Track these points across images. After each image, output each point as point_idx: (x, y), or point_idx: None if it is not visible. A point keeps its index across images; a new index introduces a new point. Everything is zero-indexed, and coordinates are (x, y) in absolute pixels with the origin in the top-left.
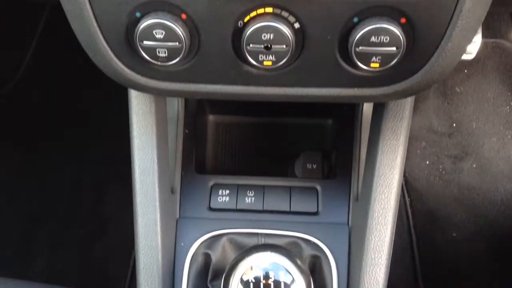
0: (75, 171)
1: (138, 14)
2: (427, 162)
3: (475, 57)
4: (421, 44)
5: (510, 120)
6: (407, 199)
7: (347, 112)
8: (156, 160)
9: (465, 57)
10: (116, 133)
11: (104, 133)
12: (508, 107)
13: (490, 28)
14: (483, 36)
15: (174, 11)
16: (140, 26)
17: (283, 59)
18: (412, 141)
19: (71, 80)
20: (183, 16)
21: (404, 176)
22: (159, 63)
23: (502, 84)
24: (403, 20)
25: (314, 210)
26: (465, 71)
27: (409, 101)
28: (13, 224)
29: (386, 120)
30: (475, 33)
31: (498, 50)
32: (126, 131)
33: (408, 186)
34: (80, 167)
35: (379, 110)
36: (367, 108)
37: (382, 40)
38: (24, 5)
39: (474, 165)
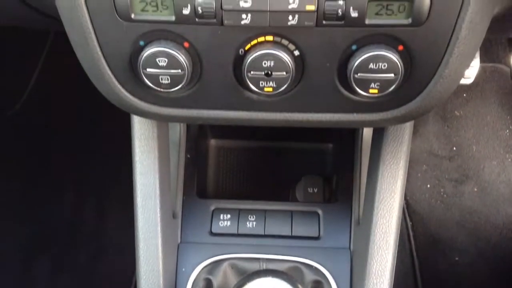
0: (77, 195)
1: (142, 43)
2: (428, 186)
3: (474, 81)
4: (419, 70)
5: (510, 144)
6: (409, 223)
7: (347, 137)
8: (158, 185)
9: (463, 81)
10: (118, 157)
11: (106, 157)
12: (507, 130)
13: (488, 53)
14: (481, 60)
15: (176, 40)
16: (143, 54)
17: (283, 86)
18: (413, 164)
19: (74, 105)
20: (186, 44)
21: (405, 199)
22: (161, 89)
23: (501, 108)
24: (400, 48)
25: (316, 234)
26: (464, 95)
27: (408, 126)
28: (14, 249)
29: (386, 144)
30: (471, 59)
31: (496, 74)
32: (128, 155)
33: (409, 210)
34: (81, 191)
35: (379, 134)
36: (367, 133)
37: (380, 66)
38: (28, 32)
39: (475, 189)
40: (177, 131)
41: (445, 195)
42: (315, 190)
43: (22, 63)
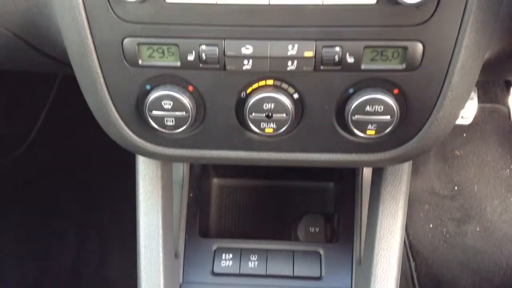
0: (80, 235)
1: (148, 87)
2: (431, 225)
3: (473, 121)
4: (414, 113)
5: (511, 183)
6: (412, 263)
7: (348, 176)
8: (161, 225)
9: (462, 122)
10: (121, 196)
11: (109, 197)
12: (508, 170)
13: (487, 94)
14: (481, 101)
15: (181, 84)
16: (150, 98)
17: (284, 127)
18: (415, 204)
19: (79, 146)
20: (190, 88)
21: (408, 239)
22: (166, 131)
23: (501, 147)
24: (396, 91)
25: (318, 274)
26: (464, 135)
27: (406, 166)
28: None
29: (385, 184)
30: (465, 102)
31: (495, 114)
32: (132, 194)
33: (412, 250)
34: (84, 231)
35: (378, 174)
36: (367, 172)
37: (376, 109)
38: (36, 75)
39: (478, 228)
40: (180, 171)
41: (448, 235)
42: (317, 230)
43: (29, 105)
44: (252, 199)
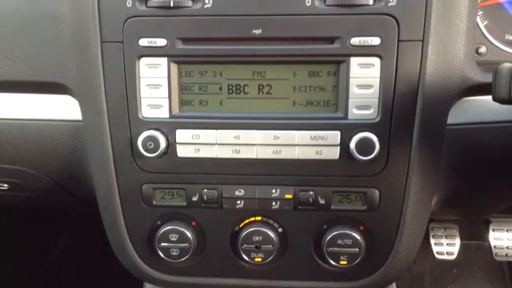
0: None
1: (159, 222)
2: None
3: (461, 257)
4: (378, 246)
5: None
6: None
7: None
8: None
9: (448, 257)
10: None
11: None
12: None
13: (470, 232)
14: (466, 238)
15: (186, 220)
16: (160, 231)
17: (270, 257)
18: None
19: (92, 278)
20: (193, 223)
21: None
22: (171, 260)
23: (490, 283)
24: (361, 228)
25: None
26: (454, 270)
27: None
28: None
29: None
30: (420, 238)
31: (481, 251)
32: None
33: None
34: None
35: None
36: None
37: (346, 242)
38: (52, 211)
39: None
40: None
41: None
42: None
43: (46, 240)
44: None
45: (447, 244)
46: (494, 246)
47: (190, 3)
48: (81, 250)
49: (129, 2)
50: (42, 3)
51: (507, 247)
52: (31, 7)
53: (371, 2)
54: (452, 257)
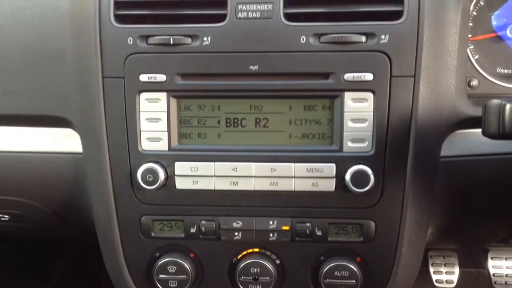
0: None
1: (157, 254)
2: None
3: (461, 285)
4: (375, 278)
5: None
6: None
7: None
8: None
9: (446, 285)
10: None
11: None
12: None
13: (469, 260)
14: (465, 266)
15: (184, 251)
16: (158, 263)
17: None
18: None
19: None
20: (192, 255)
21: None
22: None
23: None
24: (358, 259)
25: None
26: None
27: None
28: None
29: None
30: (416, 269)
31: (481, 278)
32: None
33: None
34: None
35: None
36: None
37: (343, 274)
38: (50, 240)
39: None
40: None
41: None
42: None
43: (44, 269)
44: None
45: (446, 272)
46: (493, 274)
47: (189, 41)
48: (80, 279)
49: (130, 40)
50: (45, 41)
51: (506, 275)
52: (35, 46)
53: (363, 40)
54: (452, 286)
